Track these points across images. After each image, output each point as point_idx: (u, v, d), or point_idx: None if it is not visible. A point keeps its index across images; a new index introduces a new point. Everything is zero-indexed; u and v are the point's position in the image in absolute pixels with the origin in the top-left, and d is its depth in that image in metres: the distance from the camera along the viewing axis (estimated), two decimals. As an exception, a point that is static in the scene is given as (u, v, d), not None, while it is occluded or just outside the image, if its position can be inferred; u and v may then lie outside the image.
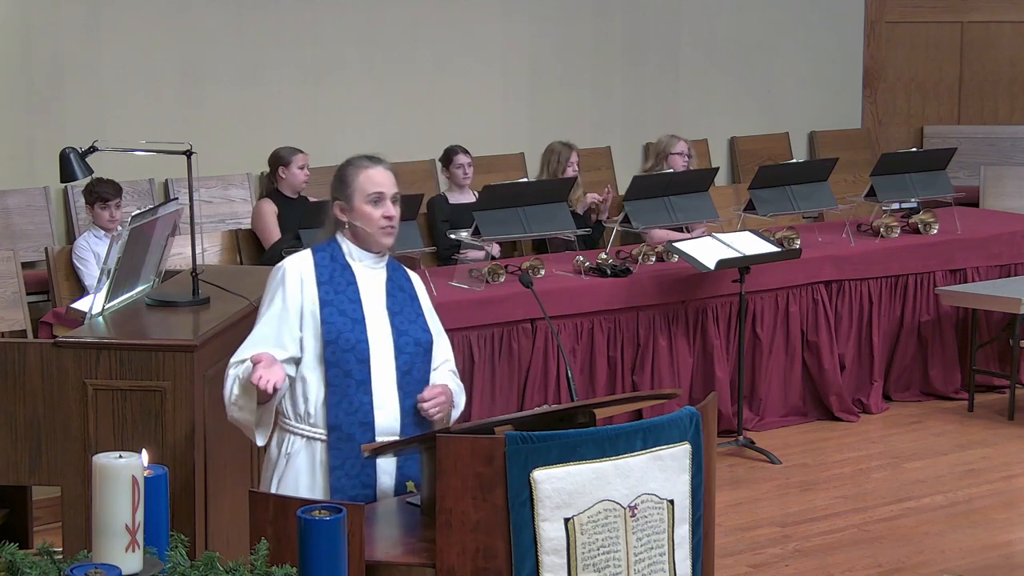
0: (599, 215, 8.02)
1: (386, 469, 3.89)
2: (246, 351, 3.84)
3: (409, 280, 4.05)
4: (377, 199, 3.91)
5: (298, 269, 3.91)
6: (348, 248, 3.96)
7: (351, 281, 3.92)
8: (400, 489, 3.90)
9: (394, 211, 3.94)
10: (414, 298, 4.01)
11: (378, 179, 3.93)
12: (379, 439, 3.83)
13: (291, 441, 3.88)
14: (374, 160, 3.98)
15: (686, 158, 8.15)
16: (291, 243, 6.73)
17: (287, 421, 3.89)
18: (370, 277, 3.96)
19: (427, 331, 3.98)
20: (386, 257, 4.02)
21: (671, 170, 7.98)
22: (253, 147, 8.32)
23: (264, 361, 3.70)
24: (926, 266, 7.65)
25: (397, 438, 3.85)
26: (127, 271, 4.64)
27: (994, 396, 7.70)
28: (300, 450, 3.87)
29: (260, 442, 3.88)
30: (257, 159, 8.20)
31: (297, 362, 3.88)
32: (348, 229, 3.95)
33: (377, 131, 9.03)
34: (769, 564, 5.59)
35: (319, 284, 3.88)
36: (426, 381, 3.95)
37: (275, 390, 3.69)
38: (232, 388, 3.83)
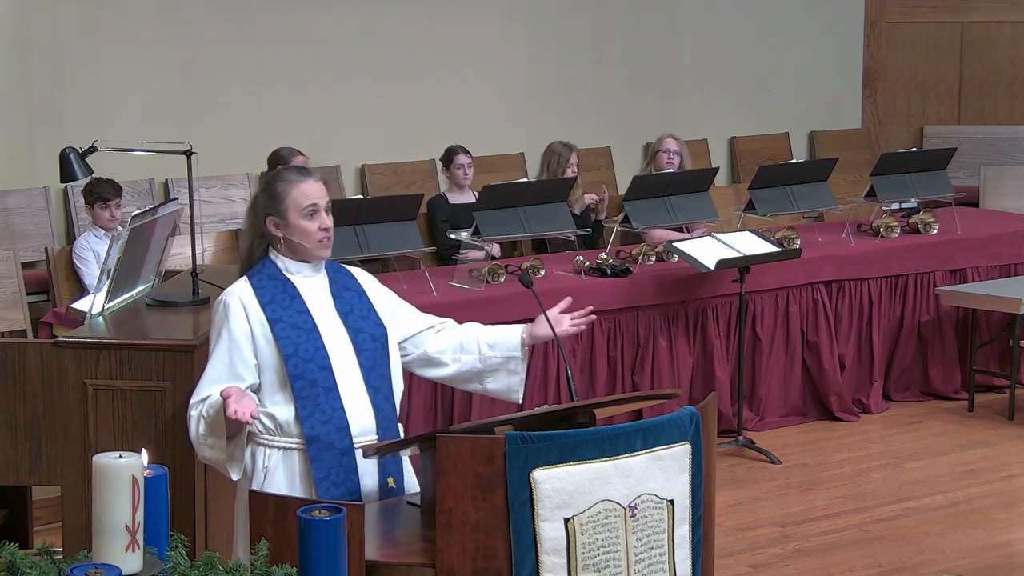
0: (597, 215, 8.02)
1: (367, 471, 3.88)
2: (204, 390, 3.82)
3: (352, 277, 4.04)
4: (312, 212, 3.87)
5: (238, 297, 3.87)
6: (284, 264, 3.93)
7: (294, 294, 3.89)
8: (383, 487, 3.90)
9: (329, 221, 3.91)
10: (361, 294, 4.00)
11: (311, 192, 3.88)
12: (356, 440, 3.83)
13: (267, 455, 3.86)
14: (304, 173, 3.94)
15: (672, 155, 8.14)
16: None
17: (261, 436, 3.86)
18: (312, 285, 3.94)
19: (380, 325, 3.97)
20: (323, 262, 4.00)
21: (659, 169, 8.03)
22: (253, 147, 8.31)
23: (234, 395, 3.67)
24: (926, 266, 7.65)
25: (376, 437, 3.85)
26: (127, 271, 4.64)
27: (994, 396, 7.70)
28: (278, 463, 3.85)
29: (236, 476, 3.84)
30: (257, 159, 8.19)
31: (255, 389, 3.86)
32: (283, 244, 3.92)
33: (377, 131, 9.04)
34: (769, 564, 5.59)
35: (263, 306, 3.85)
36: (388, 374, 3.94)
37: (252, 419, 3.68)
38: (198, 428, 3.80)
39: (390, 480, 3.89)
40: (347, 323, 3.92)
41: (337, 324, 3.91)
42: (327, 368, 3.83)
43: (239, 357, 3.83)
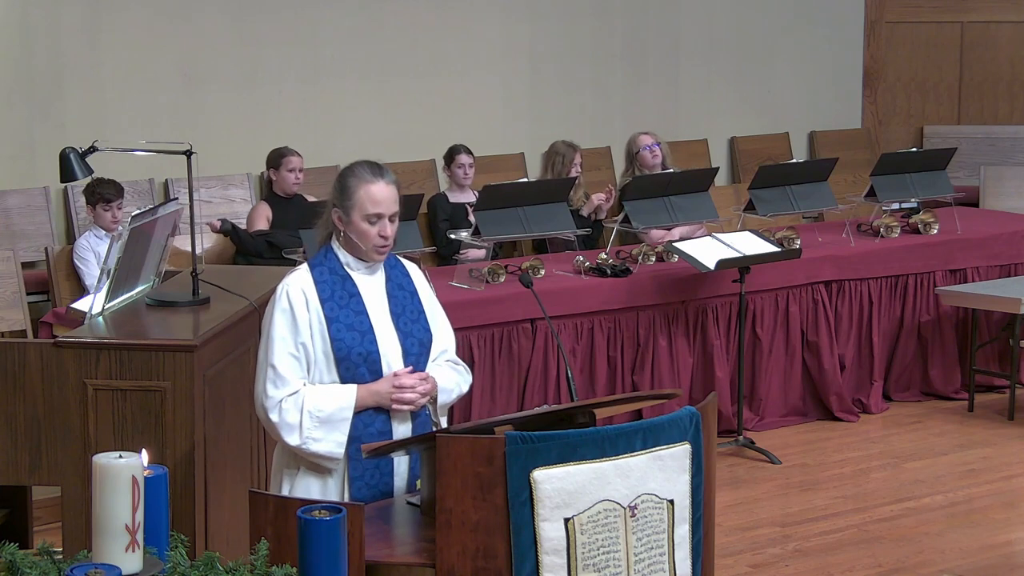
0: (598, 215, 8.02)
1: (399, 471, 3.90)
2: (290, 381, 3.79)
3: (407, 275, 4.05)
4: (376, 220, 3.88)
5: (300, 288, 3.87)
6: (345, 258, 3.94)
7: (353, 292, 3.90)
8: (412, 489, 3.91)
9: (390, 231, 3.89)
10: (414, 294, 4.02)
11: (379, 198, 3.86)
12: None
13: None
14: (377, 173, 3.89)
15: (653, 148, 8.12)
16: (290, 243, 6.74)
17: None
18: (370, 283, 3.95)
19: (428, 330, 3.99)
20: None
21: (645, 167, 8.02)
22: (253, 147, 8.32)
23: (385, 386, 3.76)
24: (926, 266, 7.65)
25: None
26: (127, 271, 4.64)
27: (994, 396, 7.70)
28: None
29: (340, 454, 3.83)
30: (257, 159, 8.21)
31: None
32: (343, 237, 3.93)
33: (377, 131, 9.03)
34: (769, 564, 5.59)
35: (322, 302, 3.86)
36: None
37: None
38: (301, 421, 3.77)
39: (419, 482, 3.89)
40: (398, 325, 3.93)
41: (389, 326, 3.92)
42: (377, 373, 3.86)
43: (304, 345, 3.83)
